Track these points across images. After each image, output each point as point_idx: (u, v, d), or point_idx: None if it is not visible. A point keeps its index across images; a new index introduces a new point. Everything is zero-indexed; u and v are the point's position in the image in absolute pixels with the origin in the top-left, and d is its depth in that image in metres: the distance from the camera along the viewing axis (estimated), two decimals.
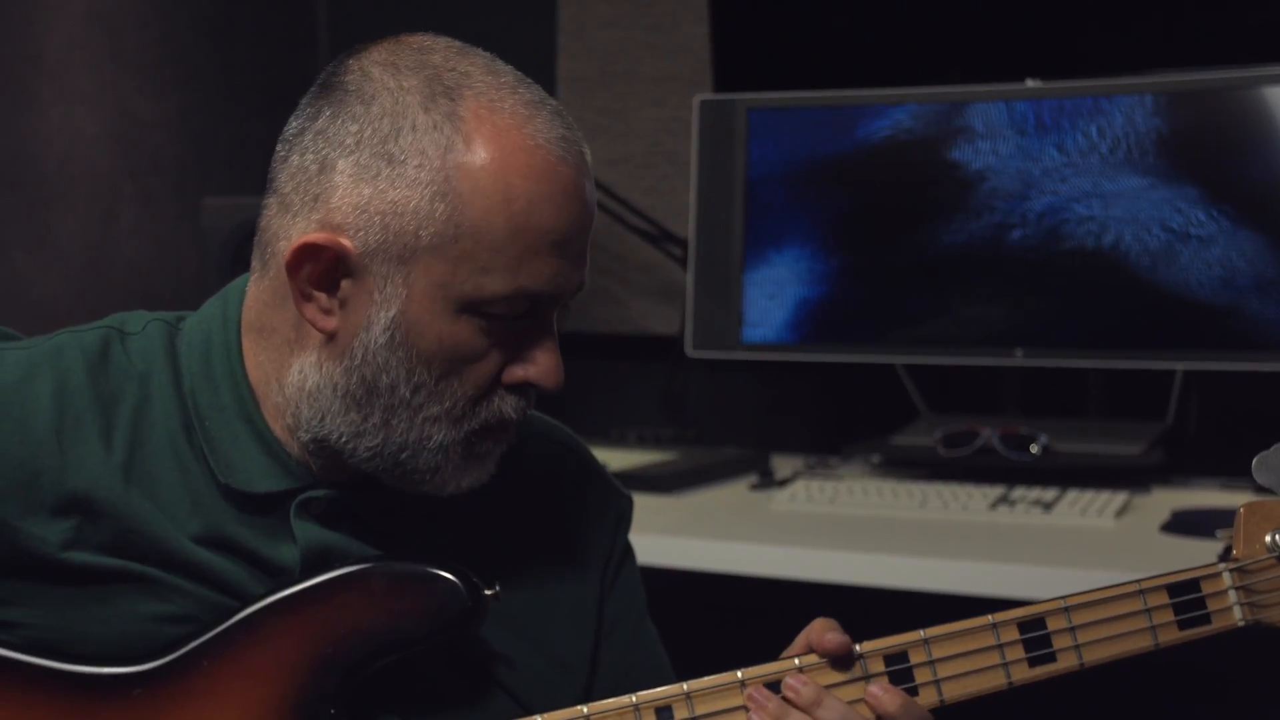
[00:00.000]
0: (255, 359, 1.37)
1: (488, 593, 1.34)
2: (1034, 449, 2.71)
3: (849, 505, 2.60)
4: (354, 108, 1.29)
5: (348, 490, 1.36)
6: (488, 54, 1.34)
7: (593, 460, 1.57)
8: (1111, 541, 2.37)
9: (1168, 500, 2.56)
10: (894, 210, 2.83)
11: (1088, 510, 2.48)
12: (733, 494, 2.80)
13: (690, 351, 2.96)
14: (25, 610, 1.32)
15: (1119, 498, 2.54)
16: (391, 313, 1.29)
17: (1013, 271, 2.73)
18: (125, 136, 3.31)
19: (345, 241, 1.28)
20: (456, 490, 1.35)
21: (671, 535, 2.43)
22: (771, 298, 2.89)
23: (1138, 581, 1.38)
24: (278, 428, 1.36)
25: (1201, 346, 2.62)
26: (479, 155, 1.26)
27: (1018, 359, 2.75)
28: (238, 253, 2.91)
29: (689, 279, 2.96)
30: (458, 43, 1.34)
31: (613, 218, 3.27)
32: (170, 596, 1.33)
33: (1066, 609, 1.36)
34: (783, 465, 2.97)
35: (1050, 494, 2.57)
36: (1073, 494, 2.57)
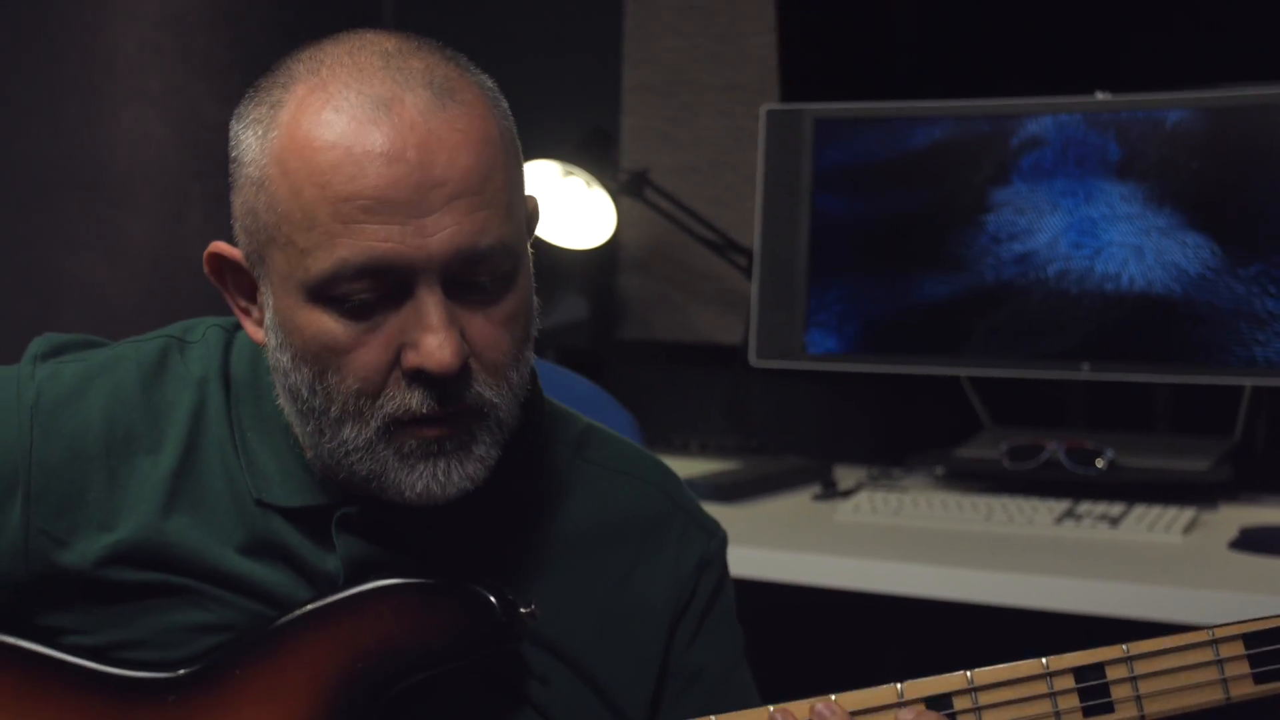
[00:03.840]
0: None
1: (523, 610, 1.29)
2: (1100, 463, 2.68)
3: (913, 517, 2.59)
4: (233, 124, 1.31)
5: (384, 507, 1.30)
6: (380, 35, 1.27)
7: (682, 500, 1.49)
8: (1179, 558, 2.34)
9: (1236, 517, 2.53)
10: (961, 221, 2.81)
11: (1155, 526, 2.46)
12: (796, 504, 2.79)
13: (754, 361, 2.95)
14: (69, 617, 1.33)
15: (1186, 514, 2.51)
16: (270, 314, 1.27)
17: (1080, 285, 2.71)
18: (195, 139, 3.33)
19: (235, 250, 1.29)
20: (418, 498, 1.25)
21: (734, 545, 2.38)
22: (836, 307, 2.88)
23: (1210, 630, 1.24)
24: None
25: (1270, 363, 2.59)
26: (282, 138, 1.23)
27: (1084, 373, 2.73)
28: None
29: (754, 288, 2.95)
30: (366, 34, 1.29)
31: (678, 226, 3.27)
32: (210, 606, 1.32)
33: (1129, 658, 1.24)
34: (846, 476, 2.96)
35: (1116, 509, 2.55)
36: (1139, 509, 2.54)
